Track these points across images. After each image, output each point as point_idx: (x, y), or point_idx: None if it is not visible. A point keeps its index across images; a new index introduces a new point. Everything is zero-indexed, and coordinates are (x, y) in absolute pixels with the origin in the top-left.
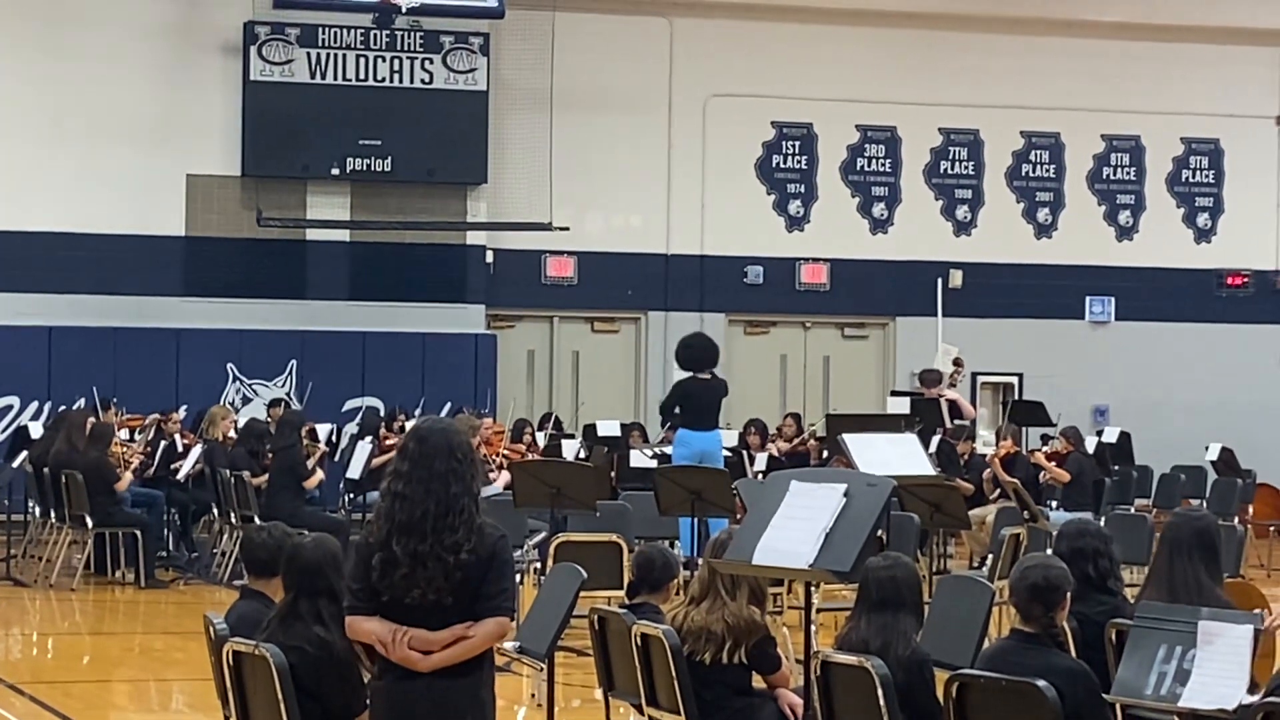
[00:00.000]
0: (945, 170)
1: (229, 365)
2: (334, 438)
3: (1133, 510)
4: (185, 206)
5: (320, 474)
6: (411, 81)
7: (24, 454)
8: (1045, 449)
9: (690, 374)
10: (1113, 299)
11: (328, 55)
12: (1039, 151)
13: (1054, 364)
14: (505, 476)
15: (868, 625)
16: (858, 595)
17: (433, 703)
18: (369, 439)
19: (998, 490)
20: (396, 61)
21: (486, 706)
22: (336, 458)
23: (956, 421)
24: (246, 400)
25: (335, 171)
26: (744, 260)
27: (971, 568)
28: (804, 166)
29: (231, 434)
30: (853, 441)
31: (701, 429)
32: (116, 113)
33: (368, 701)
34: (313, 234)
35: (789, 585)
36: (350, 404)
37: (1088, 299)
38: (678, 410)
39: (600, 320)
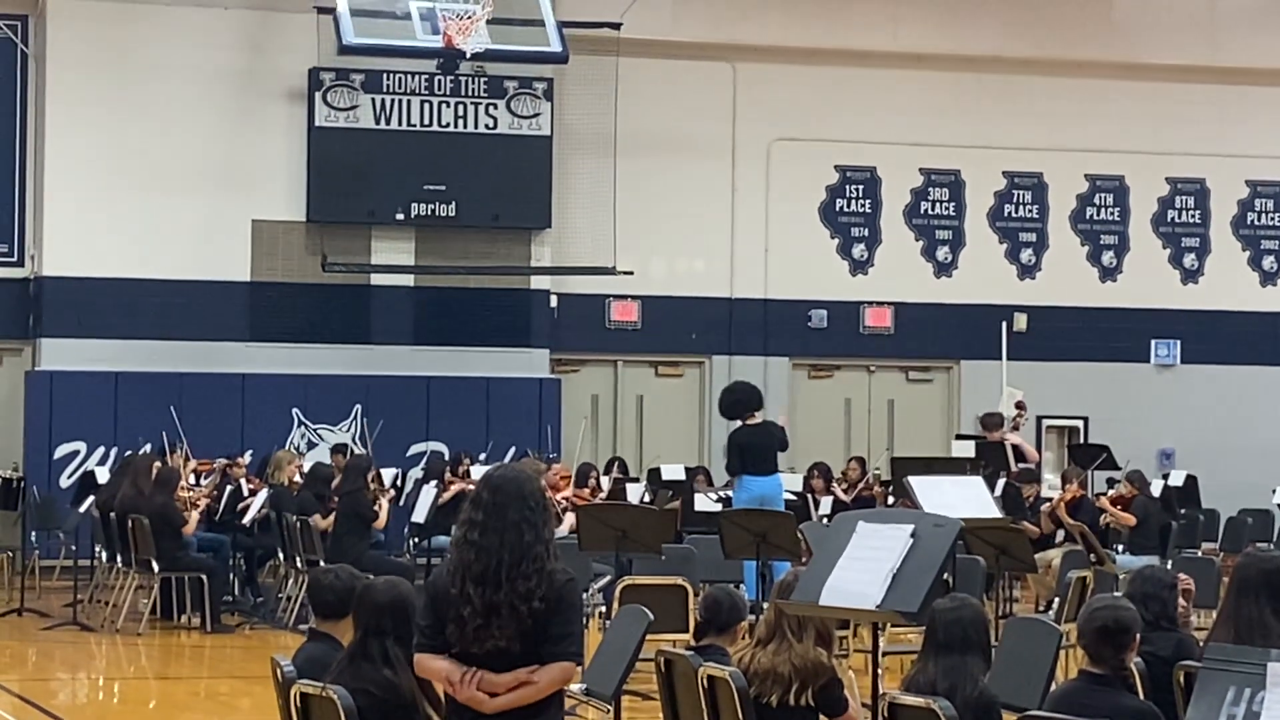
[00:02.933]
0: (1009, 213)
1: (294, 410)
2: (399, 482)
3: (1200, 554)
4: (250, 252)
5: (385, 512)
6: (476, 127)
7: (91, 499)
8: (1110, 493)
9: (739, 422)
10: (1178, 342)
11: (392, 101)
12: (1103, 194)
13: (1119, 407)
14: (570, 520)
15: (935, 667)
16: (925, 637)
17: None
18: (434, 483)
19: (1062, 533)
20: (461, 107)
21: None
22: (401, 502)
23: (1021, 465)
24: (311, 445)
25: (400, 216)
26: (808, 304)
27: (1037, 611)
28: (868, 210)
29: (297, 478)
30: (918, 484)
31: (760, 474)
32: (182, 159)
33: None
34: (377, 279)
35: (854, 628)
36: (415, 448)
37: (1153, 342)
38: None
39: (664, 364)
